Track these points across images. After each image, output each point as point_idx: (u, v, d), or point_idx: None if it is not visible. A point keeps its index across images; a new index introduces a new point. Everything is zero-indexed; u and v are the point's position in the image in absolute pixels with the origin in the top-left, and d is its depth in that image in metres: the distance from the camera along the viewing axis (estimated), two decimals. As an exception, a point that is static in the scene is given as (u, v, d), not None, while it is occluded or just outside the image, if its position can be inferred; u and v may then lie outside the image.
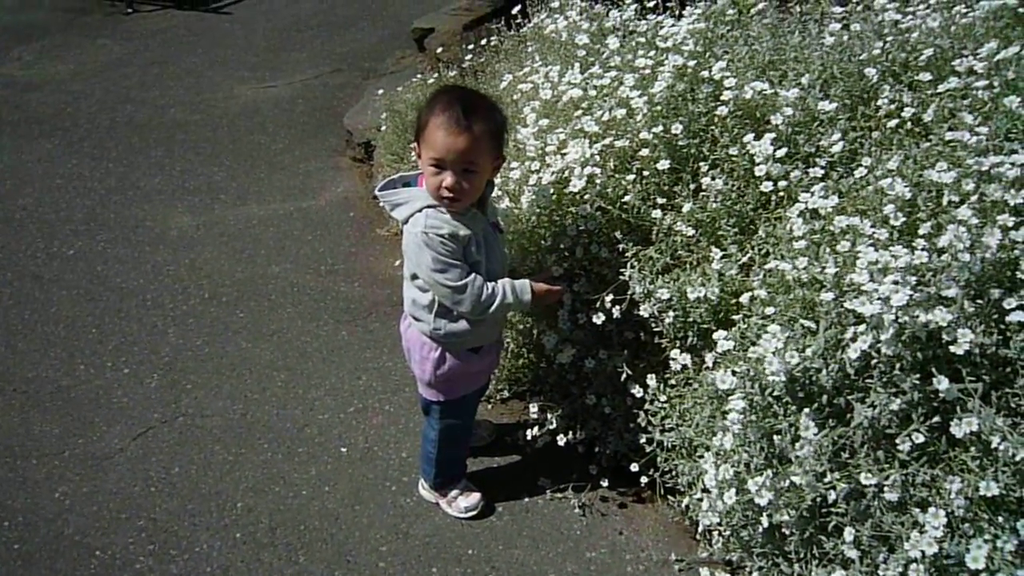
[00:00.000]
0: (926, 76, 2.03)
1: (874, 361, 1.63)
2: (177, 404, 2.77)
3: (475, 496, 2.35)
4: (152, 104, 5.10)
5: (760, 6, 2.49)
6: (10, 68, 5.65)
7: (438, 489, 2.36)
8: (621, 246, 2.11)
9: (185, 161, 4.42)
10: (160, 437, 2.64)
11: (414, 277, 2.04)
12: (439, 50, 4.52)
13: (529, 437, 2.42)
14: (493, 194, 2.11)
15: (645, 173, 2.14)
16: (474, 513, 2.33)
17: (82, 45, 6.04)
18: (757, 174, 1.99)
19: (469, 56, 3.83)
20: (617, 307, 2.08)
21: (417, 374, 2.17)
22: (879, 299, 1.54)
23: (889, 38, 2.21)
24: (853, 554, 1.64)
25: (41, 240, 3.71)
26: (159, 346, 3.05)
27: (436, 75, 3.98)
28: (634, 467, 2.26)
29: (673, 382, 2.08)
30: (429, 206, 1.94)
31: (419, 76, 4.17)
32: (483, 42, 3.79)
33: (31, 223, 3.84)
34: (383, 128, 3.88)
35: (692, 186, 2.11)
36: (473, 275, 1.96)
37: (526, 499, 2.39)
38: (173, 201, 4.03)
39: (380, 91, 4.29)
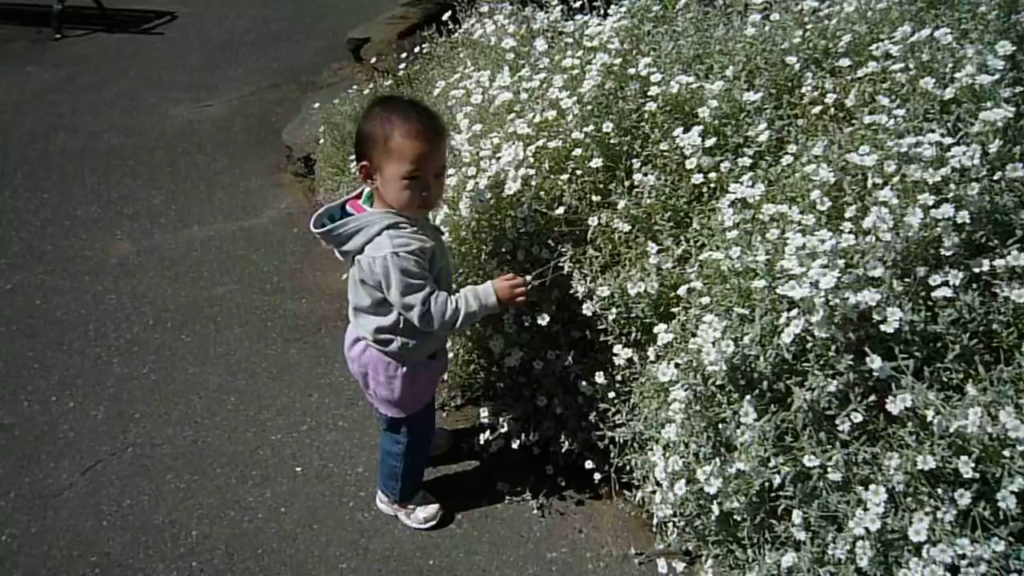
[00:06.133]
0: (846, 62, 2.08)
1: (809, 345, 1.67)
2: (126, 435, 2.71)
3: (433, 507, 2.34)
4: (85, 130, 4.98)
5: (684, 1, 2.52)
6: (-65, 101, 5.49)
7: (402, 502, 2.35)
8: (560, 246, 2.12)
9: (122, 187, 4.33)
10: (110, 470, 2.58)
11: (381, 304, 2.00)
12: (374, 59, 4.50)
13: (484, 442, 2.42)
14: None
15: (579, 172, 2.16)
16: (433, 523, 2.32)
17: (9, 73, 5.88)
18: (688, 167, 2.01)
19: (404, 64, 3.81)
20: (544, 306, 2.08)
21: (383, 395, 2.14)
22: (808, 283, 1.57)
23: (809, 26, 2.25)
24: (803, 536, 1.67)
25: (-25, 277, 3.61)
26: (104, 377, 2.98)
27: (372, 85, 3.96)
28: (589, 465, 2.27)
29: (620, 378, 2.09)
30: (388, 227, 1.92)
31: (355, 87, 4.15)
32: (417, 49, 3.78)
33: (-36, 260, 3.73)
34: (322, 142, 3.85)
35: (626, 183, 2.13)
36: (436, 292, 1.94)
37: (485, 504, 2.39)
38: (112, 228, 3.95)
39: (317, 104, 4.26)
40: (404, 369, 2.08)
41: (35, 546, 2.34)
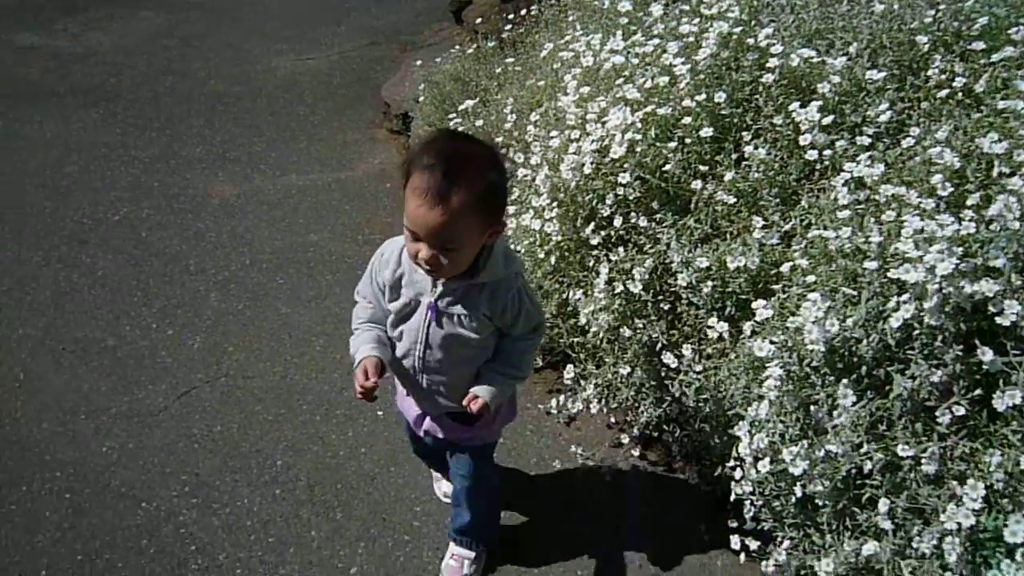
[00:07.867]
0: (979, 45, 1.99)
1: (916, 332, 1.62)
2: (219, 365, 2.83)
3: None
4: (193, 76, 5.14)
5: (807, -25, 2.45)
6: (56, 40, 5.72)
7: None
8: (659, 215, 2.11)
9: (226, 131, 4.46)
10: (203, 396, 2.70)
11: None
12: (478, 21, 4.51)
13: (562, 405, 2.44)
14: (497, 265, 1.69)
15: (687, 141, 2.13)
16: None
17: (124, 17, 6.09)
18: (801, 143, 1.97)
19: (508, 27, 3.81)
20: (638, 272, 2.06)
21: None
22: (924, 268, 1.53)
23: (942, 6, 2.16)
24: (887, 526, 1.64)
25: (87, 206, 3.78)
26: (202, 309, 3.10)
27: (475, 46, 3.97)
28: (666, 437, 2.27)
29: (709, 352, 2.08)
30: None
31: (457, 48, 4.17)
32: (523, 12, 3.76)
33: (77, 190, 3.91)
34: (421, 99, 3.89)
35: (734, 155, 2.09)
36: (361, 303, 1.83)
37: (558, 465, 2.41)
38: (214, 170, 4.08)
39: (418, 63, 4.30)
40: None
41: (132, 460, 2.47)
